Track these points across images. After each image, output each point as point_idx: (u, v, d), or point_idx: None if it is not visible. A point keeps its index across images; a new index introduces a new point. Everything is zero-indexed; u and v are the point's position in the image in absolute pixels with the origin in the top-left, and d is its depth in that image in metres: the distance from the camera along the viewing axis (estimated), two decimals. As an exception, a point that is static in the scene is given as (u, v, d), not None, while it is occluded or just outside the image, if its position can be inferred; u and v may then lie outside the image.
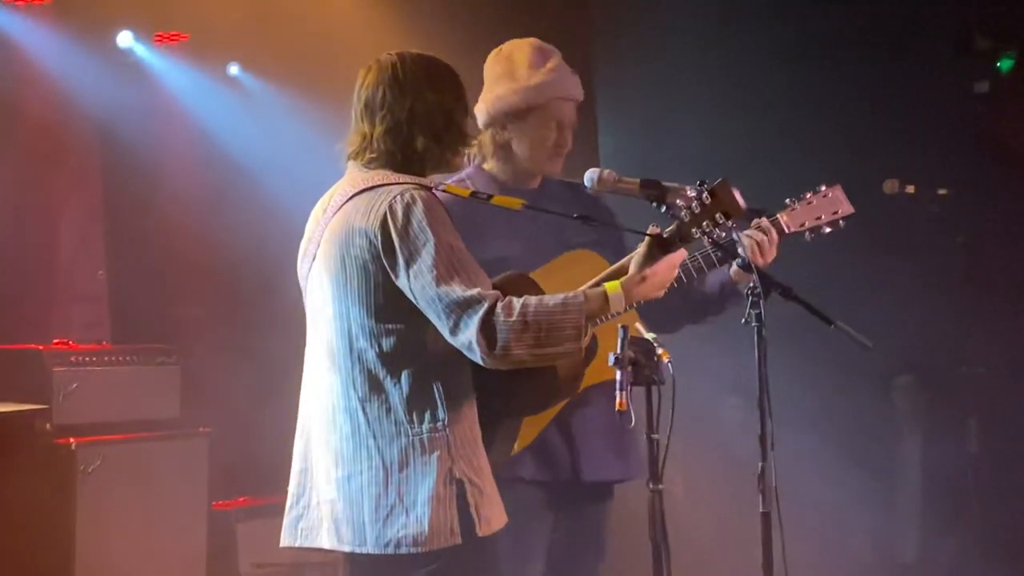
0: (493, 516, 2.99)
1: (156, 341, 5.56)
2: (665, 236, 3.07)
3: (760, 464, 3.01)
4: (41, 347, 5.10)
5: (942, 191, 5.62)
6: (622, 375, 3.01)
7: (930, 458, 6.47)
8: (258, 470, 5.40)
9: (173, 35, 6.27)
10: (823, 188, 3.69)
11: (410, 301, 2.91)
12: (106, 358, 5.26)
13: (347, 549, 2.98)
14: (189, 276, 6.25)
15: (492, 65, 3.79)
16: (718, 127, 6.60)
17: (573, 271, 3.38)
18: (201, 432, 5.43)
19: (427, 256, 2.88)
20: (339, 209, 3.03)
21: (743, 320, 3.08)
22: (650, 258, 3.04)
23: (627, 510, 3.76)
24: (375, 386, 2.96)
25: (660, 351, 3.11)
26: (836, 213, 3.67)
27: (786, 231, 3.65)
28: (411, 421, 2.93)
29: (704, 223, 3.07)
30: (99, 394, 5.16)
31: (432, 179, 3.10)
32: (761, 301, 3.05)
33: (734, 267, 3.64)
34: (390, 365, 2.95)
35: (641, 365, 3.07)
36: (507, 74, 3.72)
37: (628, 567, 3.88)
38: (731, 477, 4.93)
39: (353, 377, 2.98)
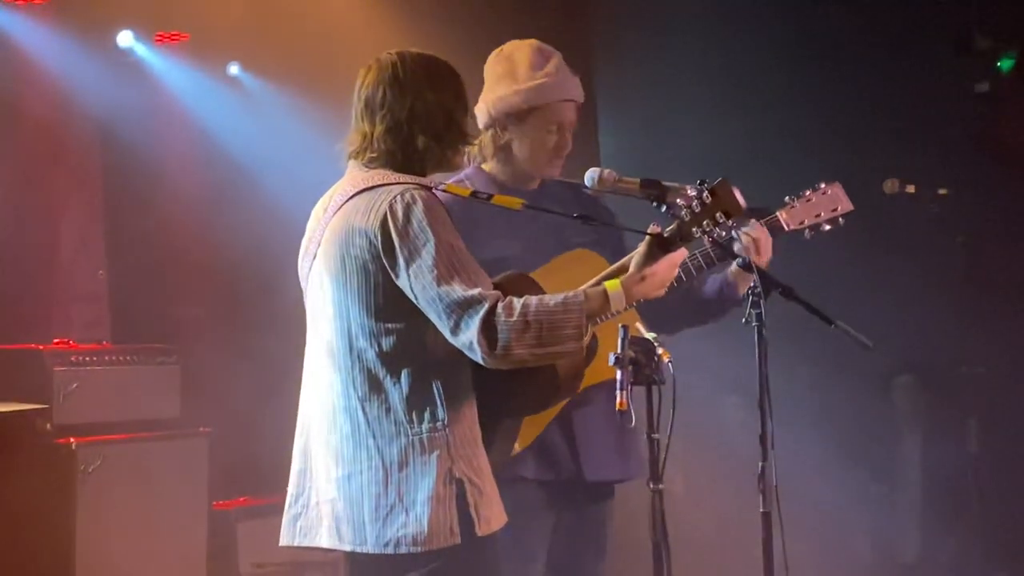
0: (493, 516, 2.99)
1: (156, 341, 5.56)
2: (665, 235, 3.08)
3: (760, 464, 3.01)
4: (41, 347, 5.10)
5: (942, 191, 5.62)
6: (622, 375, 3.01)
7: (930, 458, 6.47)
8: (258, 470, 5.40)
9: (173, 35, 6.27)
10: (822, 185, 3.69)
11: (410, 301, 2.91)
12: (106, 358, 5.26)
13: (347, 548, 2.98)
14: (189, 276, 6.25)
15: (493, 66, 3.78)
16: (718, 127, 6.60)
17: (573, 271, 3.38)
18: (201, 432, 5.43)
19: (427, 256, 2.88)
20: (339, 208, 3.03)
21: (743, 320, 3.08)
22: (650, 257, 3.04)
23: (628, 510, 3.77)
24: (375, 386, 2.96)
25: (660, 351, 3.11)
26: (836, 210, 3.68)
27: (785, 229, 3.66)
28: (411, 421, 2.93)
29: (704, 222, 3.07)
30: (99, 394, 5.16)
31: (432, 179, 3.10)
32: (761, 301, 3.06)
33: (734, 267, 3.64)
34: (390, 365, 2.95)
35: (641, 365, 3.08)
36: (508, 75, 3.72)
37: (628, 567, 3.88)
38: (731, 477, 4.93)
39: (353, 377, 2.98)
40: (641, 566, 3.23)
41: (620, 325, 3.09)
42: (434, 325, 2.90)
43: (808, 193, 3.69)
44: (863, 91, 6.52)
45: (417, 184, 2.99)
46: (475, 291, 2.85)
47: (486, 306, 2.84)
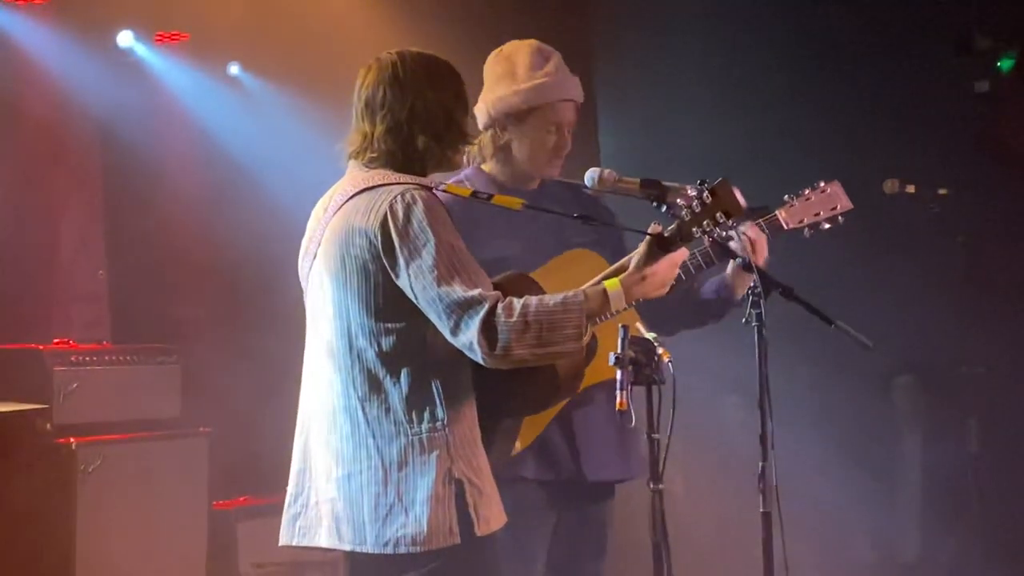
0: (492, 516, 2.99)
1: (156, 341, 5.56)
2: (666, 235, 3.07)
3: (760, 464, 3.01)
4: (41, 347, 5.10)
5: (942, 191, 5.62)
6: (622, 375, 3.01)
7: (930, 458, 6.47)
8: (258, 470, 5.40)
9: (173, 35, 6.27)
10: (822, 184, 3.69)
11: (410, 301, 2.91)
12: (106, 358, 5.26)
13: (347, 548, 2.98)
14: (189, 276, 6.25)
15: (492, 66, 3.78)
16: (718, 127, 6.60)
17: (572, 271, 3.38)
18: (201, 432, 5.43)
19: (428, 256, 2.88)
20: (340, 208, 3.03)
21: (743, 320, 3.08)
22: (651, 257, 3.04)
23: (628, 510, 3.77)
24: (375, 385, 2.96)
25: (660, 351, 3.11)
26: (835, 209, 3.67)
27: (785, 227, 3.66)
28: (410, 421, 2.93)
29: (705, 222, 3.07)
30: (99, 394, 5.16)
31: (432, 179, 3.10)
32: (762, 301, 3.06)
33: (731, 269, 3.64)
34: (389, 364, 2.95)
35: (641, 365, 3.08)
36: (507, 75, 3.72)
37: (628, 567, 3.88)
38: (731, 477, 4.94)
39: (353, 376, 2.98)
40: (641, 566, 3.23)
41: (620, 325, 3.09)
42: (434, 325, 2.90)
43: (807, 192, 3.68)
44: (863, 91, 6.52)
45: (417, 184, 2.99)
46: (475, 292, 2.85)
47: (486, 307, 2.84)
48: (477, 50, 3.86)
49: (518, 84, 3.69)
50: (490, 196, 3.18)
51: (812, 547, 4.89)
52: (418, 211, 2.91)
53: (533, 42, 3.78)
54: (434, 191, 3.01)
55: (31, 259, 5.69)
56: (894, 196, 5.42)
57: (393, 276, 2.92)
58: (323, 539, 3.02)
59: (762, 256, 3.57)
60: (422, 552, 2.89)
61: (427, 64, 3.10)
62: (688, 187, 3.14)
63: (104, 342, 5.52)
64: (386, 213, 2.92)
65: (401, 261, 2.90)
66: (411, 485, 2.91)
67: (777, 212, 3.66)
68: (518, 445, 3.47)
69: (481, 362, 2.87)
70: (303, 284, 3.15)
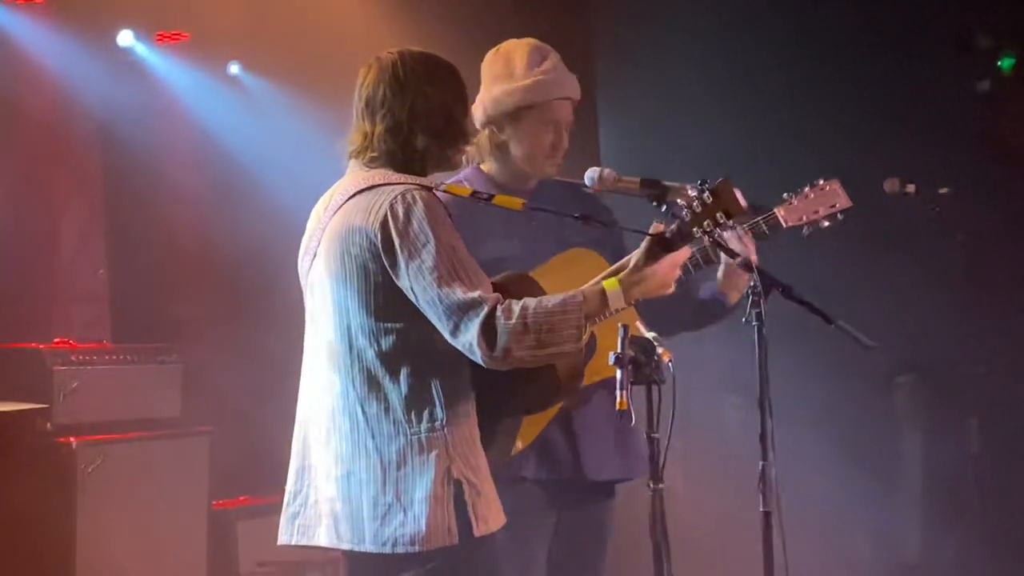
0: (491, 516, 2.99)
1: (157, 340, 5.57)
2: (667, 235, 3.07)
3: (761, 463, 3.01)
4: (42, 346, 5.10)
5: (942, 190, 5.61)
6: (622, 374, 3.01)
7: (930, 458, 6.46)
8: (259, 469, 5.40)
9: (174, 34, 6.28)
10: (821, 182, 3.68)
11: (410, 301, 2.91)
12: (107, 357, 5.27)
13: (346, 547, 2.98)
14: (189, 275, 6.25)
15: (490, 65, 3.78)
16: (718, 127, 6.59)
17: (572, 270, 3.38)
18: (202, 431, 5.44)
19: (428, 257, 2.88)
20: (340, 208, 3.03)
21: (743, 319, 3.08)
22: (651, 257, 3.04)
23: (628, 509, 3.77)
24: (374, 385, 2.96)
25: (660, 350, 3.11)
26: (834, 207, 3.66)
27: (784, 225, 3.65)
28: (409, 420, 2.93)
29: (705, 222, 3.06)
30: (100, 393, 5.16)
31: (432, 179, 3.10)
32: (761, 300, 3.05)
33: (722, 277, 3.63)
34: (389, 364, 2.95)
35: (641, 364, 3.07)
36: (505, 74, 3.71)
37: (629, 566, 3.87)
38: (732, 476, 4.92)
39: (352, 376, 2.98)
40: (641, 566, 3.23)
41: (620, 324, 3.09)
42: (433, 325, 2.90)
43: (807, 190, 3.67)
44: (863, 90, 6.51)
45: (418, 184, 2.99)
46: (475, 294, 2.85)
47: (486, 309, 2.84)
48: (477, 50, 3.85)
49: (515, 82, 3.68)
50: (490, 196, 3.18)
51: (812, 547, 4.88)
52: (418, 211, 2.91)
53: (530, 40, 3.78)
54: (434, 191, 3.01)
55: (31, 259, 5.70)
56: (894, 195, 5.42)
57: (393, 276, 2.92)
58: (322, 538, 3.02)
59: (751, 247, 3.56)
60: (420, 552, 2.89)
61: (427, 64, 3.10)
62: (688, 187, 3.13)
63: (104, 342, 5.53)
64: (386, 213, 2.92)
65: (401, 261, 2.90)
66: (410, 485, 2.91)
67: (776, 210, 3.65)
68: (520, 444, 3.47)
69: (481, 363, 2.88)
70: (303, 283, 3.15)
